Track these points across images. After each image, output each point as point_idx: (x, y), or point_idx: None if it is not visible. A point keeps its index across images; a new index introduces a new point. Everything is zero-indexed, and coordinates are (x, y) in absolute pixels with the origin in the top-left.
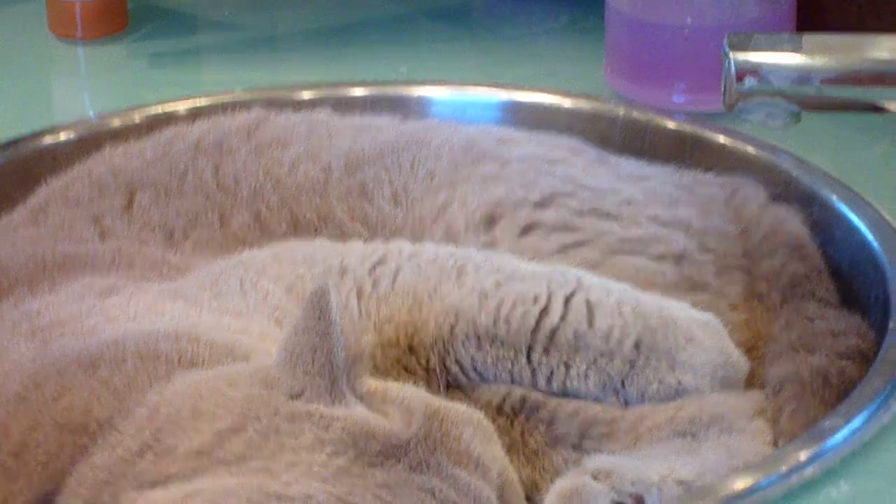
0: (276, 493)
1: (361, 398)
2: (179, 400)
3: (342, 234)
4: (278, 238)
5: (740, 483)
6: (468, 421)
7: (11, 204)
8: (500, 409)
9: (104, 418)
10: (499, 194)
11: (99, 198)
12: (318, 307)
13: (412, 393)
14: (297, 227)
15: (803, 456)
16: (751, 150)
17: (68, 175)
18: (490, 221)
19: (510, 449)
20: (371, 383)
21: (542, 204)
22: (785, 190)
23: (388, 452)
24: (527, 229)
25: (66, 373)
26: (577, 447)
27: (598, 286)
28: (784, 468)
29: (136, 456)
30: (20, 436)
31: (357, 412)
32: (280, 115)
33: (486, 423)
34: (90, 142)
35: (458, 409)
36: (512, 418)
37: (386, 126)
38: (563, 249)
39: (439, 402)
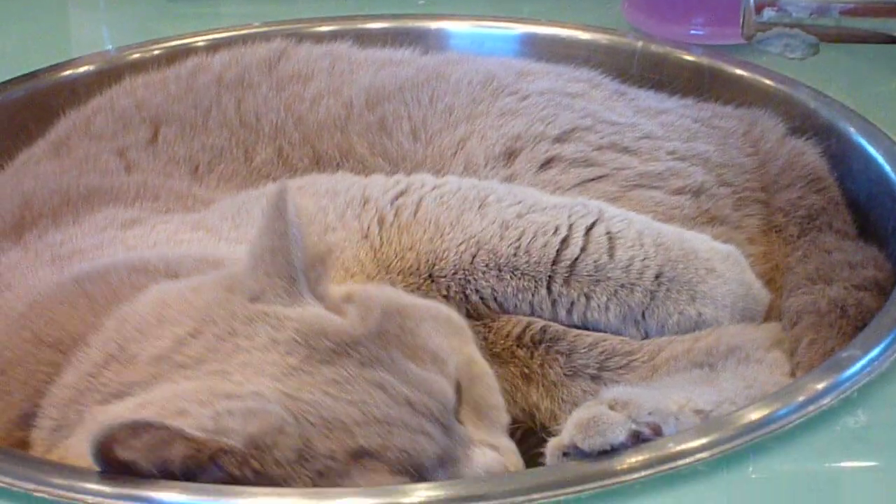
0: (227, 392)
1: (322, 298)
2: (146, 309)
3: (363, 169)
4: (301, 173)
5: (758, 413)
6: (430, 316)
7: (29, 136)
8: (520, 340)
9: (78, 333)
10: (518, 129)
11: (123, 131)
12: (277, 208)
13: (378, 292)
14: (319, 163)
15: (820, 386)
16: (768, 82)
17: (89, 108)
18: (510, 155)
19: (529, 380)
20: (340, 288)
21: (561, 139)
22: (803, 123)
23: (340, 350)
24: (546, 164)
25: (61, 290)
26: (596, 378)
27: (619, 218)
28: (802, 398)
29: (101, 368)
30: (8, 353)
31: (311, 311)
32: (301, 48)
33: (455, 318)
34: (109, 74)
35: (423, 304)
36: (532, 349)
37: (406, 60)
38: (583, 184)
39: (408, 299)
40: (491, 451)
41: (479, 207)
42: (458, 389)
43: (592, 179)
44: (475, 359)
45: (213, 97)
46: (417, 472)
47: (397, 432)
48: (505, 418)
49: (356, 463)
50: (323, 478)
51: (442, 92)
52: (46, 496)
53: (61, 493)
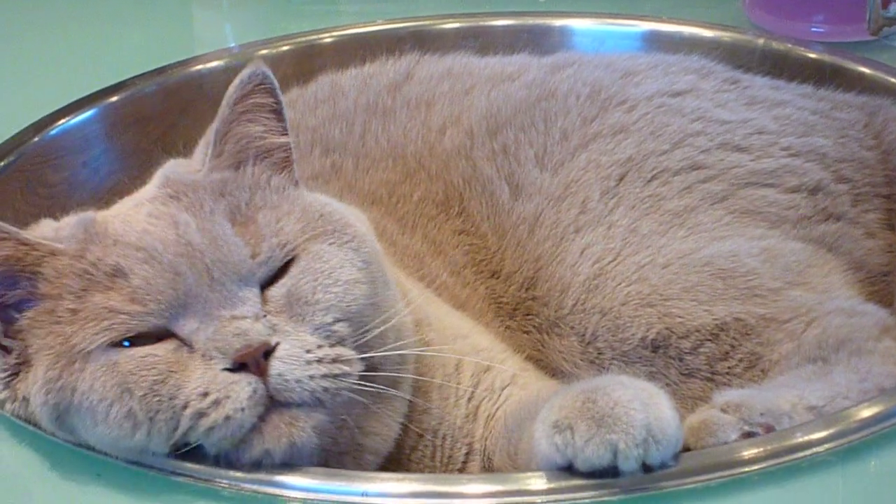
0: (85, 217)
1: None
2: None
3: (483, 192)
4: (439, 208)
5: (881, 405)
6: (296, 204)
7: (156, 129)
8: (643, 342)
9: None
10: (629, 151)
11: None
12: (231, 97)
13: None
14: (448, 196)
15: None
16: (893, 79)
17: None
18: (619, 179)
19: (652, 379)
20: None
21: (670, 150)
22: None
23: (174, 194)
24: (652, 178)
25: None
26: (710, 380)
27: None
28: None
29: None
30: None
31: (192, 168)
32: (422, 66)
33: (343, 221)
34: (237, 70)
35: (319, 200)
36: (653, 352)
37: (518, 72)
38: (689, 188)
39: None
40: (249, 324)
41: None
42: (278, 274)
43: (698, 182)
44: (324, 255)
45: (363, 123)
46: (156, 303)
47: (150, 264)
48: (319, 318)
49: (112, 279)
50: (89, 282)
51: (553, 113)
52: None
53: None
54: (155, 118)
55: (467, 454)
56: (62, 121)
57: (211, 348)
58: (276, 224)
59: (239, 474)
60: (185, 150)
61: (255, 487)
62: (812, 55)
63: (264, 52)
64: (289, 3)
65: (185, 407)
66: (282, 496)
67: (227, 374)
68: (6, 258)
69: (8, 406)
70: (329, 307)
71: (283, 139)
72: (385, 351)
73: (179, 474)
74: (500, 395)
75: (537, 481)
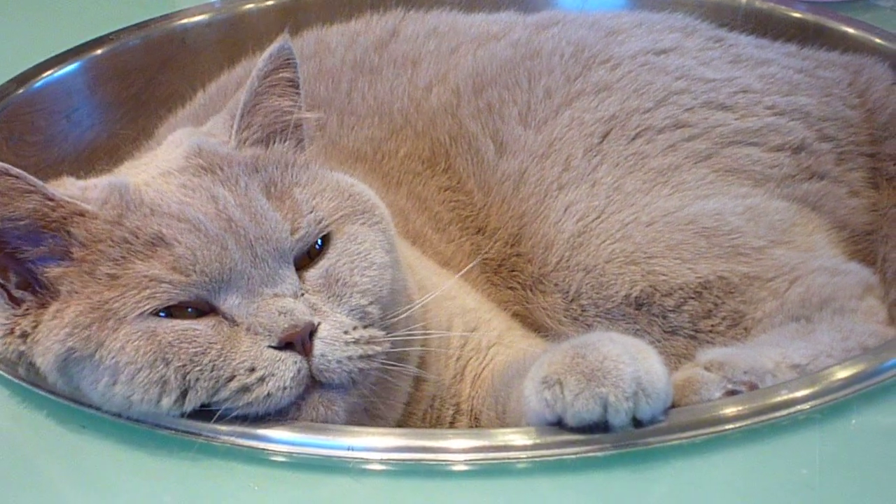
0: (111, 180)
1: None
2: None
3: (469, 149)
4: (424, 164)
5: (863, 364)
6: (326, 182)
7: (137, 81)
8: (627, 299)
9: None
10: (612, 108)
11: None
12: (261, 70)
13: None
14: (434, 153)
15: None
16: (877, 40)
17: (232, 80)
18: (603, 137)
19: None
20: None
21: (653, 108)
22: None
23: (207, 166)
24: (635, 136)
25: None
26: (693, 338)
27: None
28: None
29: None
30: None
31: (218, 140)
32: (408, 22)
33: (376, 210)
34: (220, 25)
35: (346, 179)
36: (637, 310)
37: (503, 31)
38: (673, 146)
39: (361, 187)
40: (292, 303)
41: None
42: (315, 251)
43: (682, 140)
44: (359, 236)
45: (349, 81)
46: (200, 275)
47: (195, 235)
48: (355, 300)
49: (152, 248)
50: (128, 250)
51: (537, 71)
52: None
53: None
54: (137, 72)
55: (454, 415)
56: (46, 74)
57: (256, 324)
58: (312, 200)
59: (225, 428)
60: (167, 104)
61: (240, 441)
62: (796, 14)
63: (249, 6)
64: None
65: (230, 379)
66: (267, 450)
67: (273, 351)
68: (32, 211)
69: None
70: (365, 290)
71: (305, 114)
72: (402, 331)
73: (164, 427)
74: (486, 355)
75: (521, 437)
